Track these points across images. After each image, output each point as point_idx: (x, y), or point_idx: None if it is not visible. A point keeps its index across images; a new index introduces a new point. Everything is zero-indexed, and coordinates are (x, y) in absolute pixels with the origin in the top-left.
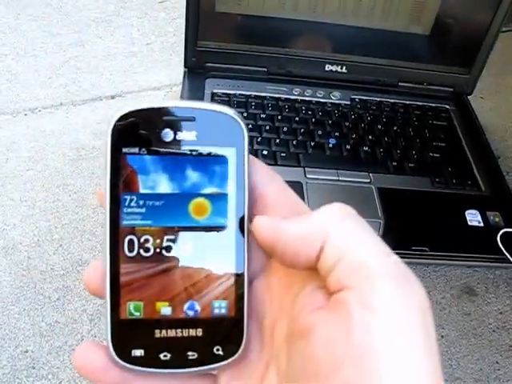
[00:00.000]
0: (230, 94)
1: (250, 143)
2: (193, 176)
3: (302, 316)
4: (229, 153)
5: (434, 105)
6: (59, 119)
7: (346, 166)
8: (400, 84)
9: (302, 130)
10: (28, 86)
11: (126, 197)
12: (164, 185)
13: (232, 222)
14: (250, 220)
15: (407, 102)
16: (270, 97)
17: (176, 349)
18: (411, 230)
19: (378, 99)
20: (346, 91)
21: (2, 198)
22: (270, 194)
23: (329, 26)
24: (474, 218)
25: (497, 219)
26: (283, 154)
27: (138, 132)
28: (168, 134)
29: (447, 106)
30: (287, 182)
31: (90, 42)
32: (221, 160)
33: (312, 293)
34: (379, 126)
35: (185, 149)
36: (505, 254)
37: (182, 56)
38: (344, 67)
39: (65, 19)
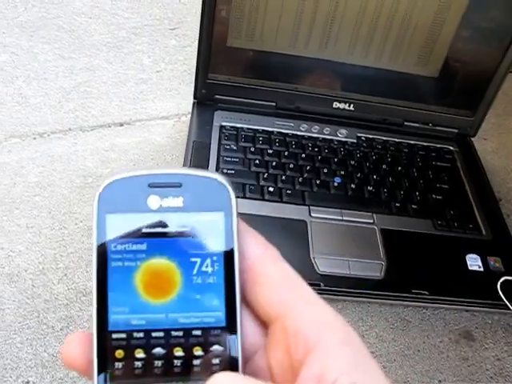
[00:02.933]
0: (238, 128)
1: (256, 179)
2: (180, 246)
3: None
4: (217, 218)
5: (438, 145)
6: (67, 145)
7: (351, 205)
8: (406, 124)
9: (308, 168)
10: (38, 110)
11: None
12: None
13: (223, 292)
14: (242, 289)
15: (412, 142)
16: (278, 132)
17: None
18: (412, 272)
19: (384, 138)
20: (353, 129)
21: (8, 223)
22: (262, 264)
23: (338, 64)
24: (474, 262)
25: (497, 264)
26: (289, 191)
27: (123, 200)
28: (154, 202)
29: (451, 148)
30: (292, 220)
31: (101, 67)
32: (208, 227)
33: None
34: (384, 166)
35: (173, 216)
36: (504, 301)
37: (192, 85)
38: (351, 105)
39: (76, 43)
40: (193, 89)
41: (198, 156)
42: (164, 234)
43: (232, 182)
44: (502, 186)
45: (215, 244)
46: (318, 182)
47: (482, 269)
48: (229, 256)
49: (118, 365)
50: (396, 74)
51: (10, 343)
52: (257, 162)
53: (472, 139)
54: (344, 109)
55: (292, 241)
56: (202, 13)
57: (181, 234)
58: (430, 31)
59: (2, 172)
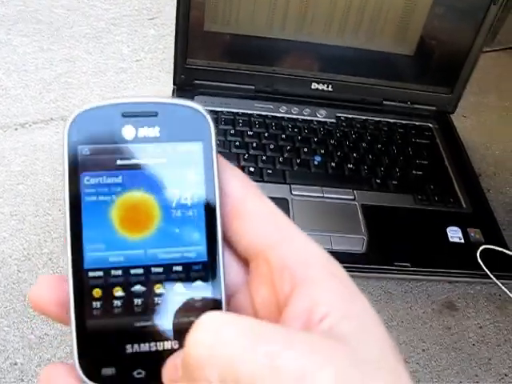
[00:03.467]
0: (218, 112)
1: (237, 160)
2: (157, 176)
3: None
4: (195, 148)
5: (417, 123)
6: (49, 134)
7: (331, 183)
8: (384, 103)
9: (288, 148)
10: (19, 101)
11: (85, 205)
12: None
13: (203, 226)
14: (223, 226)
15: (391, 121)
16: (257, 114)
17: (150, 365)
18: (394, 246)
19: (363, 117)
20: (332, 109)
21: None
22: (245, 201)
23: (315, 45)
24: (455, 234)
25: (477, 236)
26: (269, 171)
27: (96, 131)
28: (128, 132)
29: (430, 125)
30: (273, 198)
31: (81, 57)
32: (187, 157)
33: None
34: (364, 144)
35: (148, 147)
36: (484, 270)
37: (171, 73)
38: (330, 86)
39: (55, 35)
40: (172, 76)
41: None
42: (140, 166)
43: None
44: (481, 162)
45: (194, 175)
46: (298, 161)
47: (462, 240)
48: (209, 188)
49: (96, 304)
50: (373, 53)
51: None
52: (237, 143)
53: (451, 117)
54: (322, 90)
55: None
56: None
57: (158, 166)
58: (405, 9)
59: None
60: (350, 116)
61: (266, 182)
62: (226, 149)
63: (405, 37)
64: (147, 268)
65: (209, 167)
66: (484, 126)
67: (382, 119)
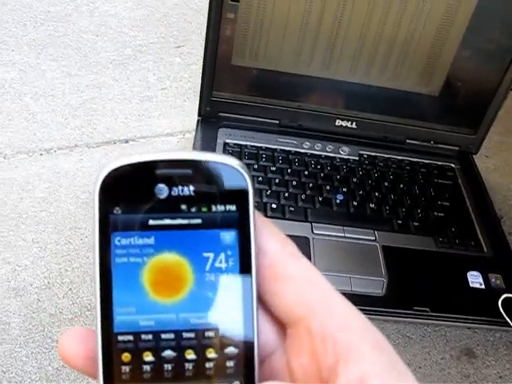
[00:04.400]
0: (241, 145)
1: (259, 196)
2: (192, 237)
3: None
4: (232, 208)
5: (439, 163)
6: (73, 161)
7: (353, 222)
8: (407, 141)
9: (311, 185)
10: (45, 126)
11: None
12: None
13: (239, 288)
14: (260, 287)
15: (414, 160)
16: (281, 149)
17: None
18: (413, 289)
19: (386, 155)
20: (355, 146)
21: (15, 238)
22: (284, 263)
23: (341, 83)
24: (475, 279)
25: (498, 282)
26: (291, 209)
27: (128, 189)
28: (162, 190)
29: (452, 165)
30: (294, 236)
31: (107, 84)
32: (223, 218)
33: None
34: (386, 183)
35: (182, 206)
36: (505, 318)
37: (196, 102)
38: (354, 123)
39: (83, 60)
40: (197, 106)
41: None
42: (173, 227)
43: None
44: (503, 204)
45: (230, 236)
46: (320, 198)
47: (483, 286)
48: (245, 249)
49: (125, 369)
50: (398, 93)
51: (15, 357)
52: (260, 179)
53: (474, 157)
54: (346, 126)
55: None
56: (207, 32)
57: (192, 226)
58: (432, 50)
59: (9, 187)
60: (373, 154)
61: (288, 219)
62: None
63: (430, 78)
64: (178, 333)
65: (246, 227)
66: (507, 167)
67: (405, 158)
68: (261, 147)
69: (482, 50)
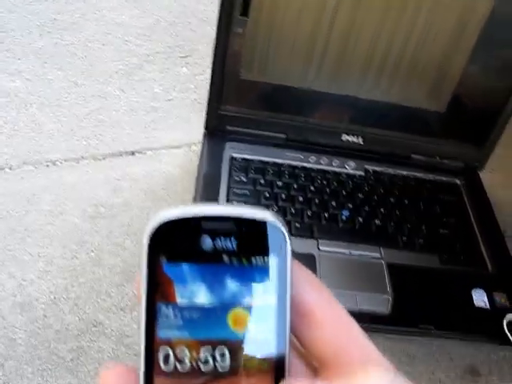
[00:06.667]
0: (248, 160)
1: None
2: (232, 286)
3: None
4: (270, 261)
5: (444, 179)
6: (79, 173)
7: (358, 239)
8: (413, 156)
9: (317, 201)
10: (51, 137)
11: (162, 307)
12: (202, 295)
13: (273, 335)
14: (292, 329)
15: (418, 175)
16: (287, 164)
17: None
18: (418, 307)
19: (391, 171)
20: (360, 161)
21: (20, 252)
22: (318, 309)
23: (348, 98)
24: (480, 297)
25: (503, 300)
26: (297, 225)
27: (175, 240)
28: (206, 242)
29: (458, 181)
30: (300, 254)
31: (113, 94)
32: (261, 269)
33: None
34: (391, 199)
35: (224, 257)
36: (510, 339)
37: (202, 113)
38: (360, 138)
39: (89, 70)
40: (203, 117)
41: (208, 188)
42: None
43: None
44: (508, 219)
45: (268, 287)
46: (326, 215)
47: (487, 306)
48: (282, 302)
49: None
50: (404, 108)
51: (20, 374)
52: (266, 194)
53: (479, 172)
54: (352, 141)
55: None
56: (216, 47)
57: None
58: (440, 67)
59: (14, 199)
60: (379, 169)
61: (294, 235)
62: (256, 200)
63: (437, 94)
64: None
65: (283, 279)
66: None
67: (410, 173)
68: (267, 162)
69: (489, 67)
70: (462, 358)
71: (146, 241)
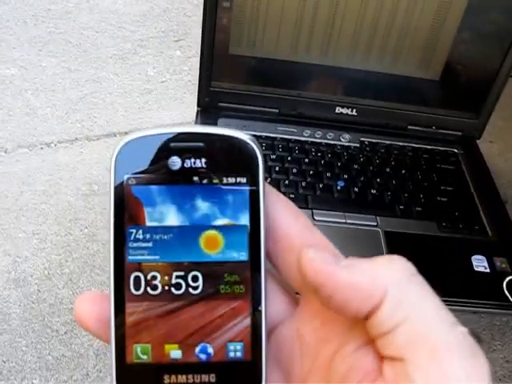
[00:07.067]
0: None
1: None
2: (203, 207)
3: (351, 380)
4: (242, 181)
5: (442, 148)
6: (74, 154)
7: (354, 208)
8: (409, 127)
9: (311, 172)
10: (45, 121)
11: (131, 230)
12: (172, 217)
13: (247, 257)
14: (268, 255)
15: (416, 146)
16: (281, 138)
17: None
18: None
19: (387, 142)
20: (356, 134)
21: (15, 230)
22: (295, 234)
23: (340, 69)
24: (480, 263)
25: (503, 265)
26: (292, 196)
27: (143, 161)
28: (175, 162)
29: (455, 150)
30: None
31: (107, 78)
32: (234, 188)
33: (358, 352)
34: (387, 170)
35: (194, 178)
36: (511, 301)
37: (196, 94)
38: (354, 110)
39: (83, 56)
40: (196, 97)
41: None
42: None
43: None
44: (508, 188)
45: (241, 207)
46: (321, 185)
47: (488, 270)
48: (255, 226)
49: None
50: (398, 78)
51: (15, 346)
52: None
53: (478, 142)
54: (347, 114)
55: None
56: (204, 21)
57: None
58: (430, 34)
59: (9, 181)
60: (374, 141)
61: None
62: None
63: (430, 61)
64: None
65: (256, 198)
66: (511, 152)
67: (407, 144)
68: (260, 136)
69: (481, 32)
70: (463, 325)
71: (112, 161)
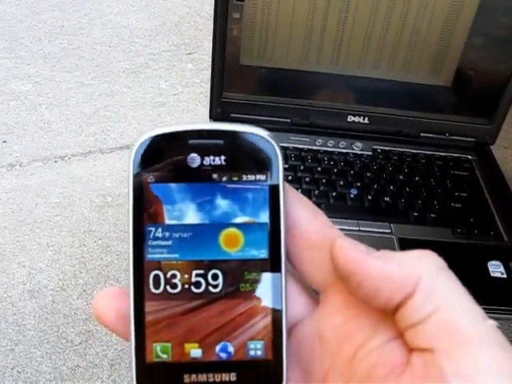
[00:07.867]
0: None
1: None
2: (223, 204)
3: (375, 376)
4: (262, 178)
5: (455, 155)
6: (87, 167)
7: (367, 216)
8: (422, 135)
9: (324, 181)
10: (59, 134)
11: (150, 229)
12: (192, 214)
13: (267, 255)
14: (288, 254)
15: (429, 153)
16: (293, 147)
17: None
18: None
19: (400, 150)
20: (368, 142)
21: (30, 242)
22: (314, 231)
23: (350, 78)
24: (496, 268)
25: None
26: None
27: (161, 158)
28: (194, 160)
29: (469, 157)
30: None
31: (120, 92)
32: (253, 186)
33: (384, 347)
34: (401, 177)
35: (213, 175)
36: None
37: (208, 105)
38: (366, 118)
39: (96, 70)
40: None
41: None
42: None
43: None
44: None
45: (261, 204)
46: (334, 194)
47: (504, 275)
48: (275, 224)
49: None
50: (409, 85)
51: (30, 357)
52: None
53: (491, 148)
54: (359, 122)
55: None
56: (214, 32)
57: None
58: (441, 40)
59: (24, 194)
60: (387, 148)
61: None
62: None
63: (441, 68)
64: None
65: (276, 197)
66: None
67: (420, 151)
68: None
69: (492, 37)
70: None
71: (131, 159)
